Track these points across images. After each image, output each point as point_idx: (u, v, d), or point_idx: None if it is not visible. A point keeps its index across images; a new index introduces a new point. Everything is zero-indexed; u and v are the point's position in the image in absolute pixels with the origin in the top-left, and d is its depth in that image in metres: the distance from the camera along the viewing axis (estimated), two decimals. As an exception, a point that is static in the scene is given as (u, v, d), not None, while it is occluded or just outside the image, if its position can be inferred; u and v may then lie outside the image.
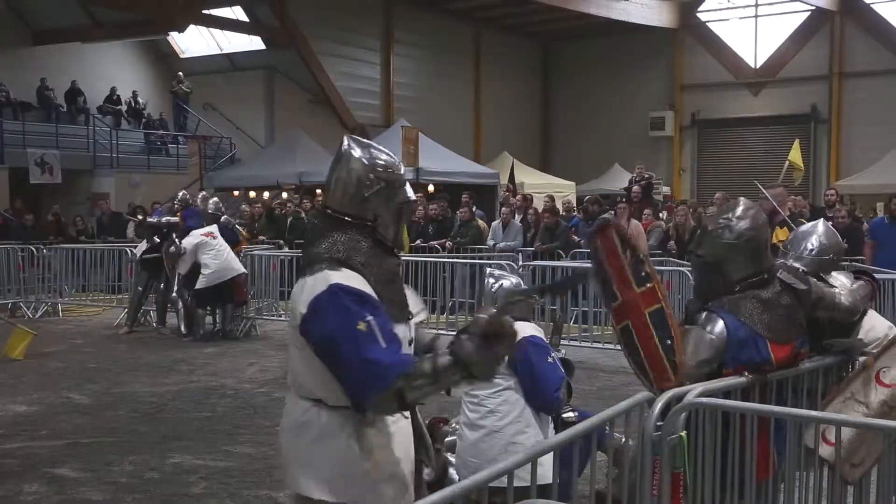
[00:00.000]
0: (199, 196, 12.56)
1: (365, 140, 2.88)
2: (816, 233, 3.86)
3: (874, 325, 3.79)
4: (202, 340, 10.91)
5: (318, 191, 17.71)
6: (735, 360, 3.28)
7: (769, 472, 3.30)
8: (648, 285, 3.16)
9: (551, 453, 2.77)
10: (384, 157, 2.80)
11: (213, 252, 10.87)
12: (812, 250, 3.78)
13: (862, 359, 3.48)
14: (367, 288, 2.63)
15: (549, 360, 3.89)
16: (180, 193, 12.30)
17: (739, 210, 3.46)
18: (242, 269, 11.23)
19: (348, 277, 2.62)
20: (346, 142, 2.83)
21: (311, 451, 2.68)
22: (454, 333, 2.59)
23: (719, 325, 3.30)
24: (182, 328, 11.25)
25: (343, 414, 2.64)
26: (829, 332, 3.59)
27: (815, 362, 3.56)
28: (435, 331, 3.75)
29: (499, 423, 3.82)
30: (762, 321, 3.31)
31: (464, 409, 3.94)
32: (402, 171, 2.85)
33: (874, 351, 3.50)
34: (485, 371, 2.49)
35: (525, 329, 3.89)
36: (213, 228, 11.18)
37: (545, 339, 3.97)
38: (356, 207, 2.73)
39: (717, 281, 3.43)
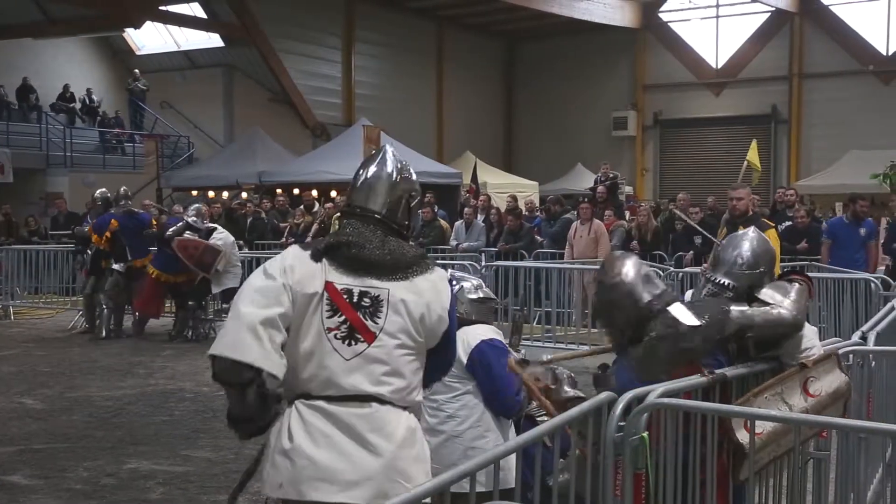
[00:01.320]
0: (120, 190, 12.29)
1: (393, 149, 3.02)
2: (746, 243, 3.62)
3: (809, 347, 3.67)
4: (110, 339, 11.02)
5: (279, 190, 17.58)
6: None
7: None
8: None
9: (513, 456, 2.73)
10: (409, 166, 2.99)
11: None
12: (742, 264, 3.56)
13: (801, 358, 3.43)
14: None
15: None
16: (97, 192, 12.16)
17: (608, 262, 3.49)
18: None
19: None
20: (389, 152, 2.97)
21: (422, 452, 2.81)
22: None
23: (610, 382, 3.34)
24: (104, 330, 11.15)
25: (419, 408, 2.92)
26: (766, 346, 3.49)
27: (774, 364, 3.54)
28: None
29: (458, 428, 3.77)
30: (644, 369, 3.27)
31: (424, 414, 3.87)
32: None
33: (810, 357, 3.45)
34: None
35: (484, 332, 3.85)
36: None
37: (504, 342, 3.93)
38: (397, 214, 2.89)
39: (616, 338, 3.47)
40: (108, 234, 11.16)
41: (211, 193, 19.90)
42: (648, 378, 3.14)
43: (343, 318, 2.71)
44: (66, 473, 5.74)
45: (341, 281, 2.73)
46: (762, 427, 3.10)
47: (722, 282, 3.55)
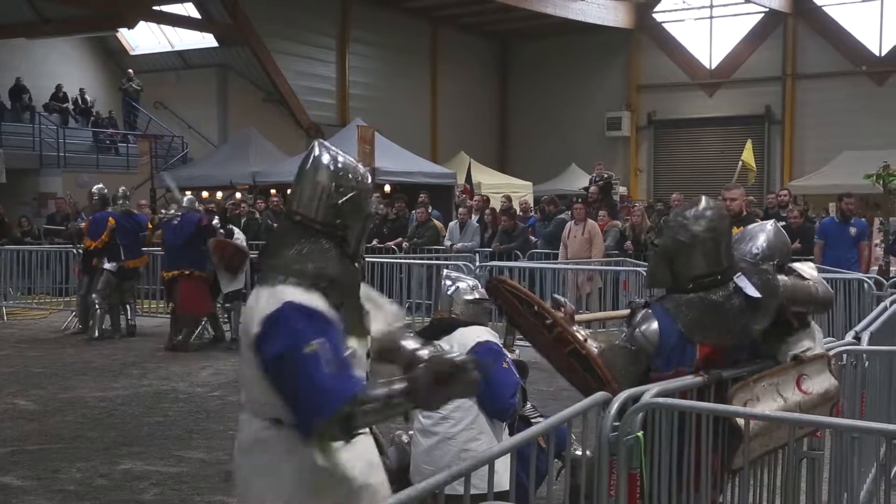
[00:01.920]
0: (119, 190, 12.19)
1: (333, 147, 2.79)
2: (762, 235, 3.68)
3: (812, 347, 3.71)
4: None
5: (273, 191, 17.54)
6: (666, 365, 3.27)
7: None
8: (557, 330, 3.31)
9: (508, 459, 2.72)
10: (355, 165, 2.73)
11: None
12: (756, 253, 3.60)
13: (797, 353, 3.46)
14: (322, 305, 2.53)
15: (504, 365, 3.81)
16: (95, 188, 11.82)
17: (700, 208, 3.44)
18: None
19: (303, 294, 2.52)
20: (316, 147, 2.75)
21: (272, 469, 2.58)
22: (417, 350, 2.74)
23: (653, 327, 3.29)
24: (95, 330, 11.04)
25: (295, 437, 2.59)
26: (780, 329, 3.53)
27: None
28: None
29: (452, 430, 3.76)
30: (700, 326, 3.28)
31: (418, 415, 3.87)
32: (370, 181, 2.77)
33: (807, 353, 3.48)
34: (433, 406, 2.53)
35: (479, 334, 3.84)
36: None
37: (500, 344, 3.92)
38: (326, 215, 2.64)
39: (667, 274, 3.42)
40: (106, 233, 11.08)
41: (205, 193, 19.83)
42: (692, 330, 3.24)
43: None
44: (60, 474, 5.72)
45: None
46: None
47: (763, 268, 3.56)
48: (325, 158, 2.69)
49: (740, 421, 3.10)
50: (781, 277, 3.48)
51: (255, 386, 2.59)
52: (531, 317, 3.36)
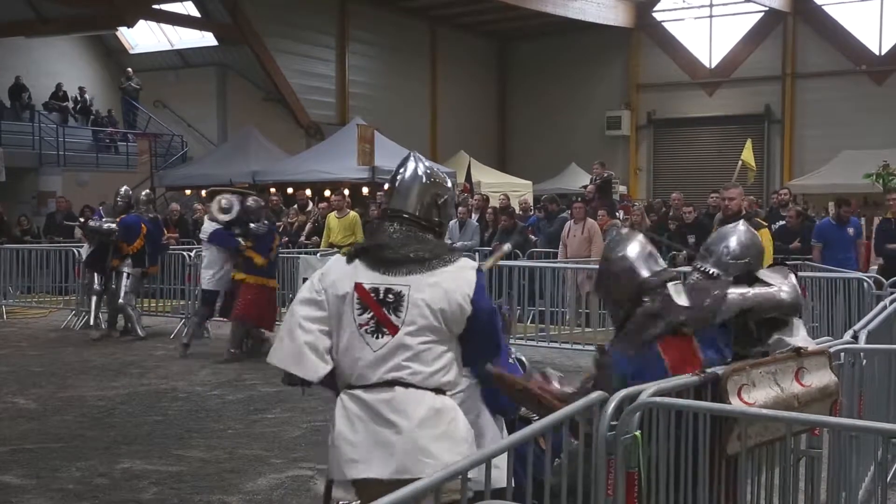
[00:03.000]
0: (143, 194, 12.26)
1: (422, 156, 3.33)
2: (734, 236, 3.74)
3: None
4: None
5: (272, 190, 17.55)
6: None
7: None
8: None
9: (504, 455, 2.73)
10: (444, 172, 3.34)
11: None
12: (728, 254, 3.68)
13: (797, 344, 3.48)
14: None
15: (511, 361, 3.84)
16: (122, 189, 11.95)
17: (614, 237, 3.68)
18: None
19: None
20: (412, 158, 3.27)
21: (451, 431, 3.01)
22: None
23: (609, 368, 3.40)
24: (139, 330, 11.07)
25: (458, 397, 3.16)
26: (758, 332, 3.54)
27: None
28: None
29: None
30: (651, 334, 3.34)
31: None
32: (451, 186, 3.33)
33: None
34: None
35: None
36: None
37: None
38: (430, 213, 3.18)
39: (615, 312, 3.58)
40: (140, 240, 11.10)
41: (204, 193, 19.85)
42: (638, 351, 3.31)
43: (371, 314, 3.03)
44: (59, 473, 5.72)
45: (369, 280, 3.05)
46: (754, 399, 3.13)
47: (709, 271, 3.66)
48: (421, 168, 3.23)
49: (735, 402, 3.11)
50: (739, 290, 3.49)
51: (430, 359, 3.01)
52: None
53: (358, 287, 3.04)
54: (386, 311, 3.01)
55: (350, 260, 3.10)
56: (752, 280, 3.62)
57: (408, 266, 3.04)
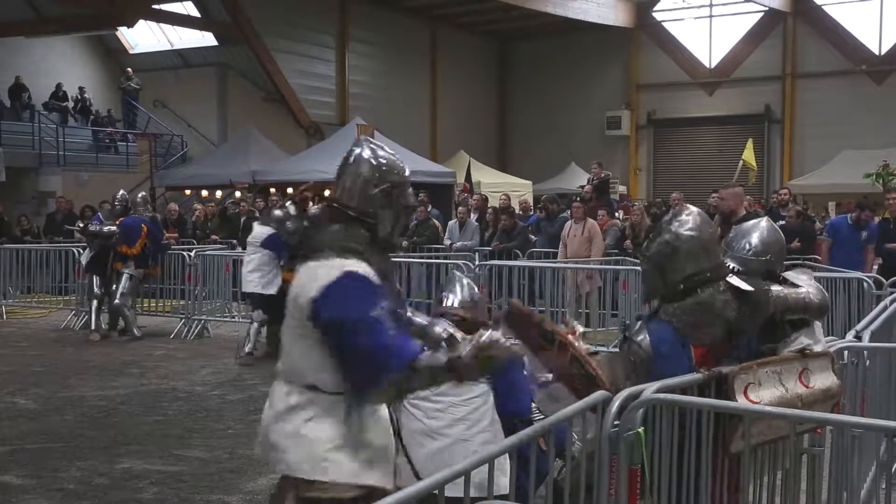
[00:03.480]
0: (139, 196, 12.22)
1: (376, 141, 3.07)
2: (756, 232, 3.74)
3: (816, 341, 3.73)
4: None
5: (272, 189, 17.53)
6: (660, 374, 3.26)
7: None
8: (559, 340, 3.45)
9: (507, 459, 2.71)
10: (392, 158, 2.99)
11: None
12: (749, 250, 3.66)
13: (801, 346, 3.48)
14: (375, 277, 2.81)
15: (524, 370, 3.89)
16: (119, 193, 11.94)
17: (682, 215, 3.53)
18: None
19: (359, 265, 2.80)
20: (361, 142, 3.05)
21: (305, 431, 2.81)
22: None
23: (644, 338, 3.36)
24: (135, 330, 11.07)
25: (338, 398, 2.82)
26: (782, 328, 3.58)
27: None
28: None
29: (468, 433, 3.75)
30: (693, 326, 3.34)
31: (418, 417, 3.81)
32: (408, 175, 3.02)
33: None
34: (470, 379, 2.87)
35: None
36: None
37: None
38: (360, 203, 2.91)
39: (659, 283, 3.49)
40: (141, 241, 11.09)
41: (204, 192, 19.86)
42: (686, 332, 3.30)
43: None
44: (59, 473, 5.71)
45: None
46: (760, 398, 3.13)
47: (730, 267, 3.61)
48: (367, 153, 2.97)
49: (742, 400, 3.11)
50: (775, 287, 3.53)
51: (297, 353, 2.87)
52: (540, 336, 3.49)
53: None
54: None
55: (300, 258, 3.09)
56: (778, 279, 3.61)
57: (303, 257, 2.98)
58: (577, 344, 3.46)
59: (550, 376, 3.54)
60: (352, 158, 2.99)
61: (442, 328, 2.95)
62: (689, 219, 3.48)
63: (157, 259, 11.61)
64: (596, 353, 3.49)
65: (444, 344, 2.80)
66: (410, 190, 3.04)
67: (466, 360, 2.70)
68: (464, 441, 3.71)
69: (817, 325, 3.65)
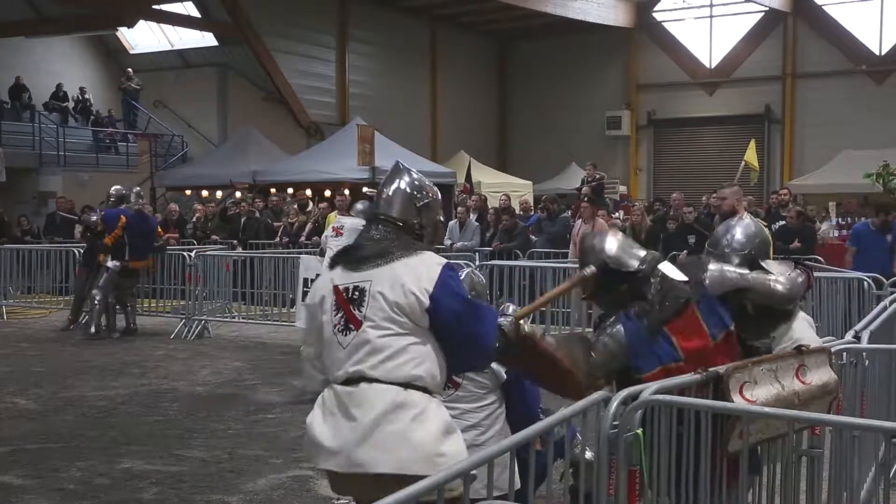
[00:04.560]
0: (134, 190, 12.24)
1: (408, 166, 3.42)
2: (739, 228, 3.84)
3: (802, 337, 3.76)
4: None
5: (273, 189, 17.55)
6: (647, 363, 3.33)
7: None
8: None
9: (507, 458, 2.72)
10: (429, 181, 3.39)
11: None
12: (730, 244, 3.78)
13: (797, 343, 3.51)
14: None
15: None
16: (113, 189, 11.92)
17: (588, 240, 3.69)
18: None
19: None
20: (399, 165, 3.40)
21: (412, 429, 2.95)
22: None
23: (618, 328, 3.39)
24: (92, 327, 11.04)
25: (431, 396, 3.02)
26: (760, 322, 3.65)
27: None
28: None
29: (481, 438, 3.81)
30: (659, 318, 3.38)
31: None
32: (439, 196, 3.40)
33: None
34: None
35: None
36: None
37: None
38: (407, 214, 3.22)
39: (609, 300, 3.57)
40: (117, 231, 11.10)
41: (205, 193, 19.85)
42: (656, 325, 3.35)
43: (342, 313, 3.10)
44: (59, 473, 5.72)
45: (342, 281, 3.13)
46: (756, 396, 3.14)
47: (656, 256, 3.70)
48: (406, 176, 3.32)
49: (737, 399, 3.12)
50: (742, 271, 3.64)
51: (397, 349, 3.00)
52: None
53: (335, 289, 3.12)
54: (352, 308, 3.07)
55: (332, 265, 3.21)
56: (754, 266, 3.71)
57: (373, 261, 3.09)
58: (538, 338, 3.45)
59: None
60: (397, 175, 3.32)
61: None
62: (595, 240, 3.61)
63: (138, 253, 11.41)
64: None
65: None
66: (441, 207, 3.37)
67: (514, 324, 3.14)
68: (477, 446, 3.73)
69: (804, 317, 3.69)
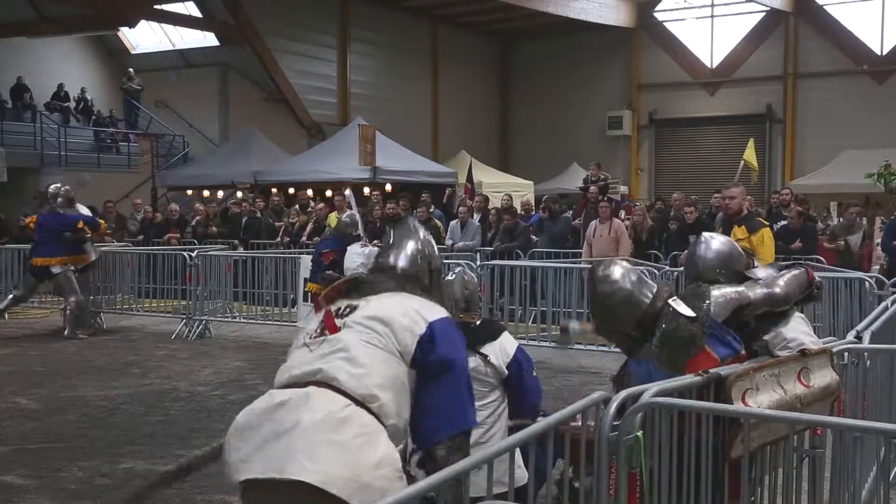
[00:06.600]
0: (62, 190, 12.15)
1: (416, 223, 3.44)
2: (705, 252, 3.90)
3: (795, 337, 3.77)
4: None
5: (274, 190, 17.55)
6: None
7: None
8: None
9: (507, 458, 2.72)
10: (432, 240, 3.34)
11: None
12: (704, 269, 3.84)
13: (799, 346, 3.53)
14: None
15: (534, 372, 4.04)
16: (51, 187, 11.81)
17: (599, 272, 3.62)
18: None
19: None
20: (412, 222, 3.39)
21: (347, 447, 2.55)
22: None
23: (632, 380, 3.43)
24: (66, 330, 11.16)
25: (384, 428, 2.66)
26: (758, 325, 3.71)
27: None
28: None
29: (485, 436, 3.83)
30: (670, 359, 3.42)
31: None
32: (440, 263, 3.36)
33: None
34: None
35: (513, 341, 4.06)
36: None
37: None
38: (420, 271, 3.15)
39: (623, 339, 3.61)
40: (27, 228, 11.38)
41: (206, 193, 19.87)
42: (672, 368, 3.34)
43: (322, 324, 2.90)
44: (61, 473, 5.72)
45: (336, 305, 2.95)
46: (758, 403, 3.14)
47: (667, 291, 3.72)
48: (421, 233, 3.30)
49: (739, 405, 3.12)
50: (737, 287, 3.65)
51: (376, 365, 2.73)
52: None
53: (326, 313, 2.92)
54: (335, 319, 2.87)
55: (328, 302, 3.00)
56: (742, 279, 3.76)
57: (377, 288, 2.97)
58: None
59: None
60: (414, 234, 3.27)
61: None
62: (606, 274, 3.58)
63: (46, 251, 11.29)
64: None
65: None
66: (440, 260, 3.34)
67: None
68: (481, 444, 3.74)
69: (797, 317, 3.74)
